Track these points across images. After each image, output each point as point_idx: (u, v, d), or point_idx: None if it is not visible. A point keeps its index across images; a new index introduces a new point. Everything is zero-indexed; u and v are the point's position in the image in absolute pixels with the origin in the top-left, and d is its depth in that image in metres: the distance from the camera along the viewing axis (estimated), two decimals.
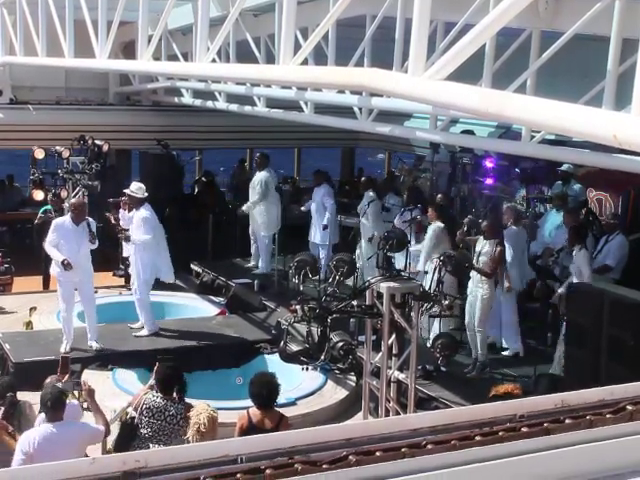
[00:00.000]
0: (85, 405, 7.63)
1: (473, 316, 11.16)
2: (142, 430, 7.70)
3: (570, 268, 10.86)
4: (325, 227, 15.41)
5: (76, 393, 7.77)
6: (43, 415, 7.41)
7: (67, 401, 7.40)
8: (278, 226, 15.71)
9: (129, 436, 7.72)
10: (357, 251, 14.42)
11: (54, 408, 6.98)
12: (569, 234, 11.10)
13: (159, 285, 14.70)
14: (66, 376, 8.04)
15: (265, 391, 7.74)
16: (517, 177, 15.34)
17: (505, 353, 11.95)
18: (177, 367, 8.10)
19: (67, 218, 11.85)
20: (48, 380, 7.87)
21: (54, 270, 11.91)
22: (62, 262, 11.37)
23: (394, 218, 13.98)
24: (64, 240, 11.55)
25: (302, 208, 16.37)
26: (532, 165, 14.72)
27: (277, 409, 7.93)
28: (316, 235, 15.59)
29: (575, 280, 10.61)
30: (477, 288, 11.06)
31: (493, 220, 11.87)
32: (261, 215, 15.77)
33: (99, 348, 11.73)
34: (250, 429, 7.61)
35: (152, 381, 8.20)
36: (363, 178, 16.01)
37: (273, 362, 11.46)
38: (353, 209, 15.63)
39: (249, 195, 16.05)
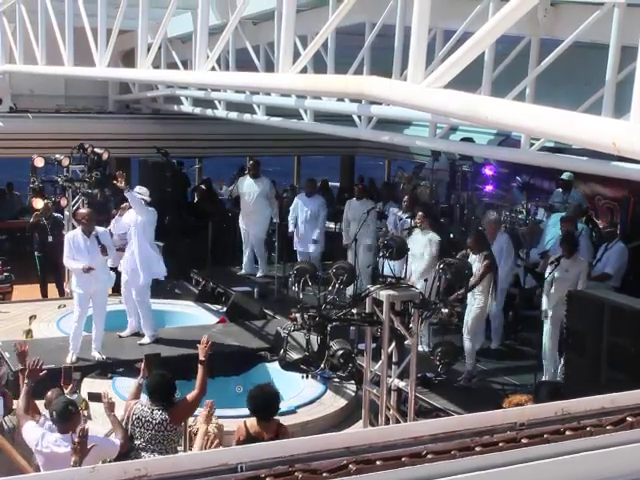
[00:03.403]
0: (86, 413, 7.61)
1: (467, 324, 11.23)
2: (136, 441, 7.69)
3: (566, 275, 10.85)
4: (315, 242, 15.48)
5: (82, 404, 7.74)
6: (32, 423, 7.35)
7: None
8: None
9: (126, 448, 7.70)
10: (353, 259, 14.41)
11: (60, 420, 6.94)
12: (562, 245, 11.09)
13: (159, 293, 14.72)
14: (69, 386, 8.03)
15: (267, 404, 7.71)
16: (518, 185, 15.35)
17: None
18: (168, 374, 8.08)
19: (78, 231, 11.81)
20: (49, 393, 7.85)
21: (73, 284, 11.90)
22: (82, 269, 11.38)
23: (391, 226, 14.03)
24: (77, 253, 11.55)
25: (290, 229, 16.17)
26: (532, 174, 14.74)
27: (275, 418, 7.90)
28: (309, 245, 15.68)
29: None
30: (472, 298, 11.13)
31: (477, 234, 11.90)
32: (261, 217, 15.86)
33: (102, 359, 11.72)
34: (248, 440, 7.59)
35: (140, 380, 8.20)
36: (360, 186, 16.03)
37: (273, 370, 11.46)
38: None
39: (241, 203, 16.13)
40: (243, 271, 16.51)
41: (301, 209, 15.84)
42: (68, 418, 6.93)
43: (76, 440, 6.35)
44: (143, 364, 8.44)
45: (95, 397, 7.67)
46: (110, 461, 7.14)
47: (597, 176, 13.03)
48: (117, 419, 7.62)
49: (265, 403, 7.70)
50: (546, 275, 10.96)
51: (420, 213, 12.37)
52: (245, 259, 16.57)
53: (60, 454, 6.83)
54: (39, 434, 7.05)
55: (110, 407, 7.61)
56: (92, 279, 11.57)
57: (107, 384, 11.28)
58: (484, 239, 11.61)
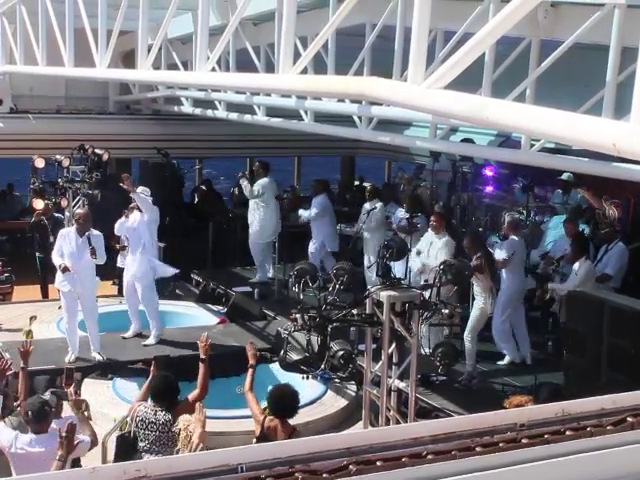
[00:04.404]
0: (86, 414, 7.56)
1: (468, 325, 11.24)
2: (140, 443, 7.67)
3: (572, 279, 10.86)
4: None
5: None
6: (1, 424, 7.26)
7: (63, 414, 7.36)
8: (274, 235, 15.75)
9: (129, 450, 7.67)
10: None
11: (36, 419, 6.88)
12: (572, 247, 11.07)
13: (160, 294, 14.71)
14: (71, 387, 8.01)
15: (286, 405, 7.71)
16: (520, 186, 15.31)
17: (504, 362, 11.97)
18: (171, 376, 8.07)
19: (72, 229, 11.83)
20: (47, 393, 7.82)
21: (56, 281, 11.92)
22: (59, 266, 11.39)
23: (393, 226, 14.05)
24: (66, 250, 11.56)
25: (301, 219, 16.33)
26: (533, 175, 14.71)
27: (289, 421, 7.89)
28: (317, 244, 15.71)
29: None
30: (475, 298, 11.13)
31: (473, 235, 11.86)
32: (257, 222, 15.79)
33: (102, 360, 11.73)
34: (260, 437, 7.61)
35: (149, 381, 8.19)
36: (368, 187, 15.99)
37: (273, 371, 11.47)
38: (353, 218, 15.64)
39: (249, 203, 16.10)
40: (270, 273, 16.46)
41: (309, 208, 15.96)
42: (43, 418, 6.89)
43: (63, 434, 6.30)
44: (153, 366, 8.43)
45: (61, 396, 7.62)
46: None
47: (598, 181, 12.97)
48: (85, 417, 7.55)
49: (285, 404, 7.70)
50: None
51: (436, 217, 12.28)
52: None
53: (35, 454, 6.79)
54: (12, 435, 6.98)
55: (76, 404, 7.49)
56: (77, 280, 11.57)
57: (107, 385, 11.30)
58: (479, 240, 11.59)
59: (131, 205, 12.70)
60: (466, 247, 11.39)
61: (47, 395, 7.32)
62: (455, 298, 11.26)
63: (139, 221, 12.52)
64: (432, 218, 12.28)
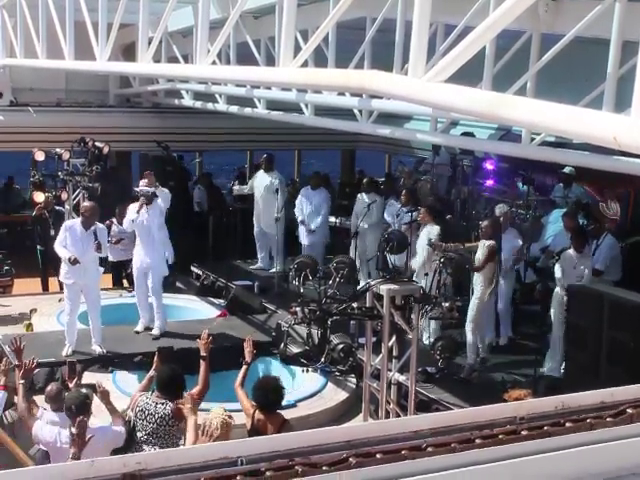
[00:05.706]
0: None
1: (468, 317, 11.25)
2: (138, 433, 7.68)
3: (574, 272, 10.86)
4: (311, 231, 15.54)
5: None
6: (40, 423, 7.31)
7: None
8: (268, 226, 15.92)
9: (127, 441, 7.69)
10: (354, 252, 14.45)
11: (79, 412, 6.94)
12: (574, 240, 11.06)
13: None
14: (73, 381, 8.04)
15: (270, 395, 7.72)
16: (522, 179, 15.29)
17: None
18: (178, 369, 8.09)
19: (77, 221, 11.85)
20: (49, 387, 7.85)
21: (61, 273, 11.93)
22: (69, 259, 11.38)
23: (393, 220, 14.05)
24: (71, 243, 11.56)
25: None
26: (534, 169, 14.69)
27: (280, 412, 7.90)
28: (306, 237, 15.72)
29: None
30: (474, 288, 11.12)
31: (494, 220, 11.86)
32: (270, 214, 15.87)
33: (102, 353, 11.74)
34: (250, 428, 7.62)
35: (152, 372, 8.20)
36: (365, 180, 16.00)
37: (273, 364, 11.49)
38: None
39: (255, 196, 16.10)
40: (260, 264, 16.50)
41: (305, 202, 15.87)
42: (86, 412, 6.98)
43: (74, 432, 6.33)
44: (156, 357, 8.44)
45: (88, 388, 7.67)
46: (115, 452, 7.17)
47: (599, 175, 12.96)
48: (114, 407, 7.62)
49: (265, 396, 7.70)
50: (557, 273, 11.04)
51: (422, 210, 12.50)
52: (260, 257, 16.57)
53: None
54: (55, 432, 7.07)
55: (104, 396, 7.59)
56: (81, 271, 11.57)
57: (107, 377, 11.31)
58: (498, 228, 11.58)
59: (140, 201, 12.66)
60: (483, 229, 11.35)
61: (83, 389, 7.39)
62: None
63: (148, 215, 12.50)
64: (420, 211, 12.59)
